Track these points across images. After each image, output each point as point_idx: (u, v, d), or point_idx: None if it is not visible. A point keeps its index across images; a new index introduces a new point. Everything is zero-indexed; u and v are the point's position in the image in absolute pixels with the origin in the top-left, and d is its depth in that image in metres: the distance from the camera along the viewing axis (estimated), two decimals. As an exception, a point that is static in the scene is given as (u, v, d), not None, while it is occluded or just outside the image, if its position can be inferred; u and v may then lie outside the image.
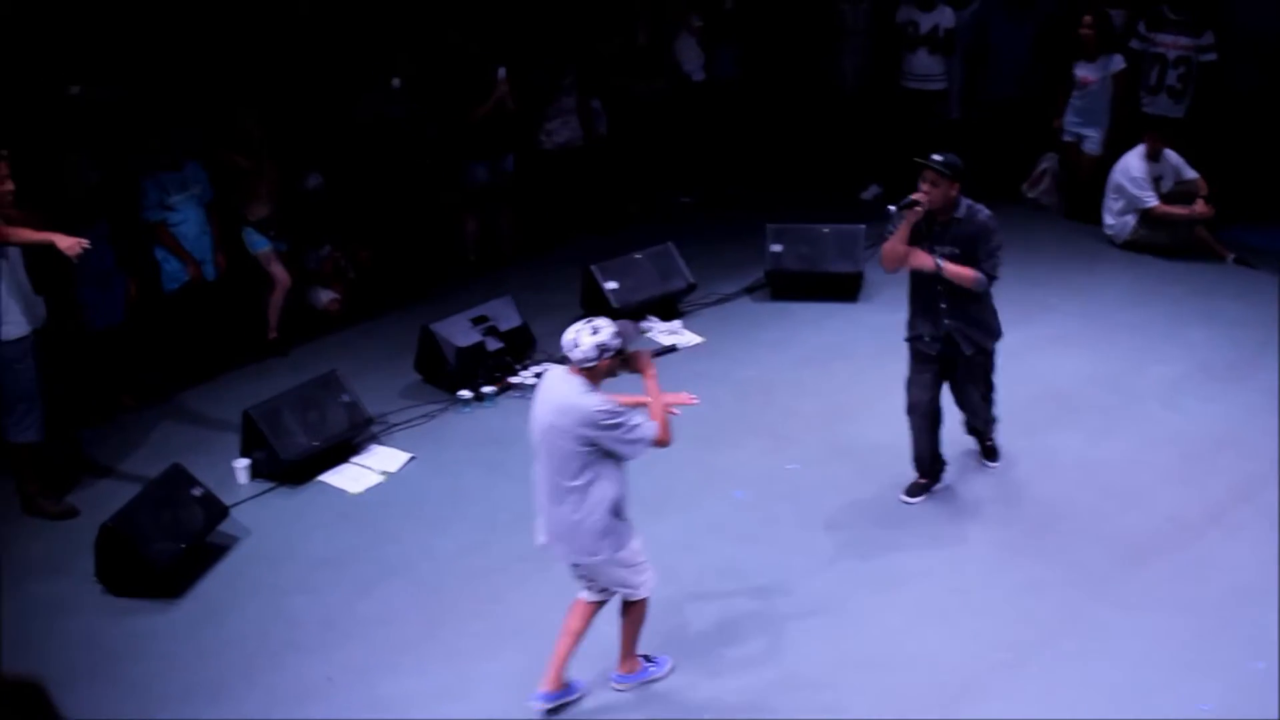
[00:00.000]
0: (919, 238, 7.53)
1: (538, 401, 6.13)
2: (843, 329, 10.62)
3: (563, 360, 6.10)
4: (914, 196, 7.43)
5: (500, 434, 9.19)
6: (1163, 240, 11.65)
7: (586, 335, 5.98)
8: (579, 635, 6.50)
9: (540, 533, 6.32)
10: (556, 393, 6.05)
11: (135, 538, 7.45)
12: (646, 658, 6.75)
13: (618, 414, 5.96)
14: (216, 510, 8.09)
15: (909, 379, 7.98)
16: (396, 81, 11.29)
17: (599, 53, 12.76)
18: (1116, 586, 7.28)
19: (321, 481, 8.73)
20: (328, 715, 6.55)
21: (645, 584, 6.41)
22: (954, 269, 7.47)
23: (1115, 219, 11.88)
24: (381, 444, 9.17)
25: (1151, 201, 11.51)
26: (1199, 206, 11.47)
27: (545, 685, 6.46)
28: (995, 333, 7.82)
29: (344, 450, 8.99)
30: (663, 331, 10.68)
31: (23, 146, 8.33)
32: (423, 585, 7.58)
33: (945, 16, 12.83)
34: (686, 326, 10.77)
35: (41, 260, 8.12)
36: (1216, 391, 9.32)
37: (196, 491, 7.99)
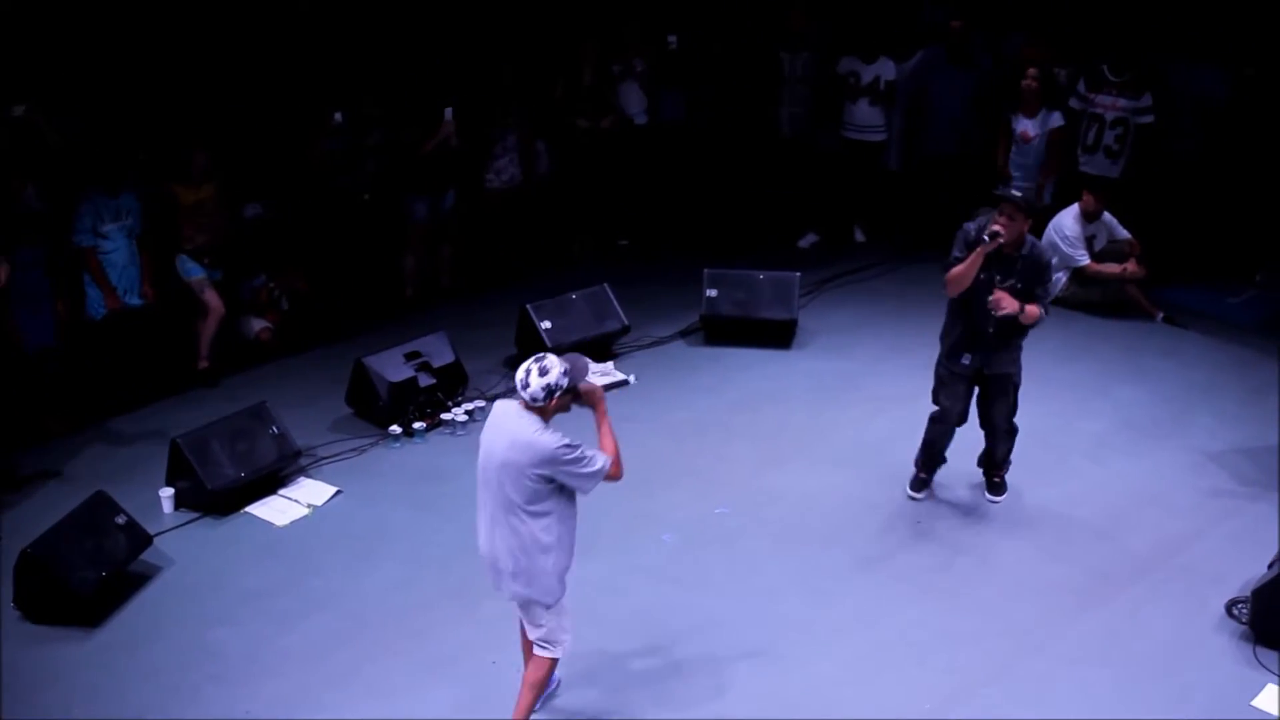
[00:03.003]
0: (987, 269, 7.71)
1: (490, 432, 6.02)
2: (776, 375, 10.64)
3: (503, 396, 5.98)
4: (994, 228, 7.53)
5: (429, 471, 9.16)
6: (1094, 298, 11.78)
7: (535, 376, 5.87)
8: (540, 688, 6.35)
9: (491, 571, 6.16)
10: (510, 428, 5.92)
11: (55, 564, 7.34)
12: None
13: (574, 447, 5.86)
14: (140, 539, 7.98)
15: (941, 391, 8.24)
16: (338, 116, 11.28)
17: (545, 92, 12.80)
18: (1042, 639, 7.32)
19: (247, 513, 8.64)
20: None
21: (565, 644, 6.28)
22: (1031, 313, 7.74)
23: (1048, 275, 11.97)
24: (309, 477, 9.10)
25: (1084, 260, 11.63)
26: (1130, 266, 11.61)
27: None
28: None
29: (271, 482, 8.91)
30: (595, 373, 10.63)
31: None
32: (348, 620, 7.50)
33: (886, 69, 12.95)
34: (619, 368, 10.74)
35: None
36: (1143, 448, 9.43)
37: (120, 519, 7.88)
